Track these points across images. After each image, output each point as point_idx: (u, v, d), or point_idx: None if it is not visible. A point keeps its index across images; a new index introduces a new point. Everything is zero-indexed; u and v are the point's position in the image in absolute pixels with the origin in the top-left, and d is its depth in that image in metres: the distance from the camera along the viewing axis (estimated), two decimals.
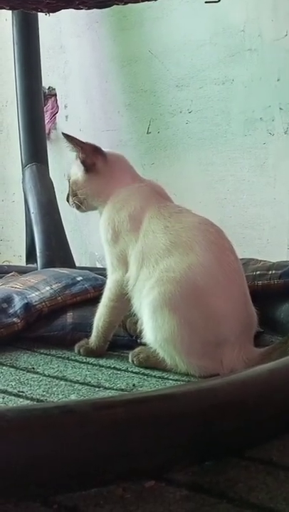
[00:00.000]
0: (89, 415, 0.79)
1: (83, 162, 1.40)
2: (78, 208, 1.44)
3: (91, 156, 1.40)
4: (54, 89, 2.59)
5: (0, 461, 0.72)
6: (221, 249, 1.29)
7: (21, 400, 1.10)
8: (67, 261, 2.10)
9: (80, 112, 2.54)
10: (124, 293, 1.35)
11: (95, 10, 2.20)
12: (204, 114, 2.19)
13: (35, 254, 2.15)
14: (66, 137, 1.41)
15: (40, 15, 2.21)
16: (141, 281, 1.30)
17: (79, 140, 1.41)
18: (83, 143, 1.41)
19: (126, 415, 0.81)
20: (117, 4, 1.66)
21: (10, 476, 0.72)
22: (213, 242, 1.28)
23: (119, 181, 1.39)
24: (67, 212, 2.36)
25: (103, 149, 1.43)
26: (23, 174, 2.31)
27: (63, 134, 1.42)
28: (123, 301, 1.36)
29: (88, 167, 1.40)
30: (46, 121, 2.47)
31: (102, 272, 1.74)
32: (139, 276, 1.31)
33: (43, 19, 2.33)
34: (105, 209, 1.39)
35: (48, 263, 2.06)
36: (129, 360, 1.34)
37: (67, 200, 1.48)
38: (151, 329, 1.26)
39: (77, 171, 1.43)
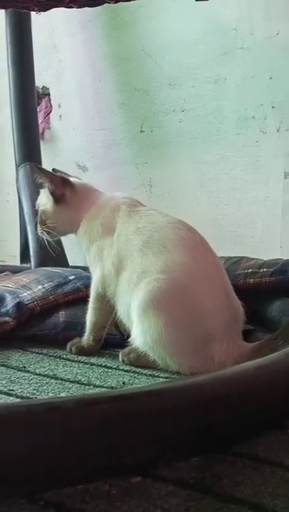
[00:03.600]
0: (74, 412, 0.79)
1: (52, 193, 1.43)
2: (48, 234, 1.47)
3: (60, 188, 1.43)
4: (48, 88, 2.59)
5: None
6: (193, 244, 1.30)
7: (11, 398, 1.10)
8: (60, 260, 2.10)
9: (73, 111, 2.54)
10: (105, 295, 1.37)
11: (87, 9, 2.20)
12: (197, 113, 2.20)
13: (29, 254, 2.15)
14: (36, 169, 1.45)
15: (33, 14, 2.21)
16: (122, 286, 1.32)
17: (49, 172, 1.46)
18: (53, 175, 1.46)
19: (112, 411, 0.81)
20: (108, 3, 1.66)
21: None
22: (183, 238, 1.29)
23: (87, 208, 1.43)
24: None
25: (71, 179, 1.47)
26: (17, 174, 2.31)
27: (35, 165, 1.46)
28: (105, 303, 1.38)
29: (57, 198, 1.43)
30: (40, 121, 2.48)
31: None
32: (119, 280, 1.33)
33: (36, 19, 2.34)
34: (80, 228, 1.43)
35: (42, 262, 2.06)
36: (120, 359, 1.34)
37: (36, 228, 1.51)
38: (140, 334, 1.26)
39: (46, 201, 1.46)
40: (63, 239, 2.21)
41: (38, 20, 2.36)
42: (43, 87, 2.58)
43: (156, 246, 1.28)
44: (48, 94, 2.59)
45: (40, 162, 2.34)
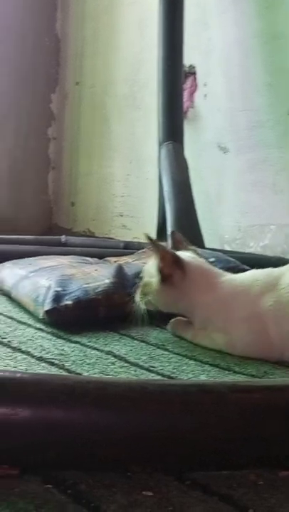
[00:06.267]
0: (226, 397, 0.79)
1: (160, 271, 1.31)
2: (146, 306, 1.35)
3: (169, 267, 1.30)
4: (194, 67, 2.57)
5: (139, 431, 0.74)
6: None
7: (152, 374, 1.12)
8: (196, 241, 2.09)
9: (218, 90, 2.51)
10: None
11: None
12: None
13: (166, 232, 2.16)
14: (150, 240, 1.31)
15: None
16: None
17: (160, 246, 1.32)
18: (165, 251, 1.32)
19: (263, 401, 0.80)
20: None
21: (148, 447, 0.74)
22: None
23: (198, 295, 1.31)
24: (199, 192, 2.36)
25: (184, 260, 1.32)
26: (159, 152, 2.33)
27: (148, 237, 1.31)
28: None
29: (164, 277, 1.31)
30: (184, 100, 2.47)
31: (231, 254, 1.75)
32: None
33: None
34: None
35: None
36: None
37: (134, 295, 1.37)
38: None
39: (153, 275, 1.33)
40: (200, 221, 2.22)
41: None
42: (190, 65, 2.57)
43: None
44: (194, 73, 2.57)
45: (182, 141, 2.34)
